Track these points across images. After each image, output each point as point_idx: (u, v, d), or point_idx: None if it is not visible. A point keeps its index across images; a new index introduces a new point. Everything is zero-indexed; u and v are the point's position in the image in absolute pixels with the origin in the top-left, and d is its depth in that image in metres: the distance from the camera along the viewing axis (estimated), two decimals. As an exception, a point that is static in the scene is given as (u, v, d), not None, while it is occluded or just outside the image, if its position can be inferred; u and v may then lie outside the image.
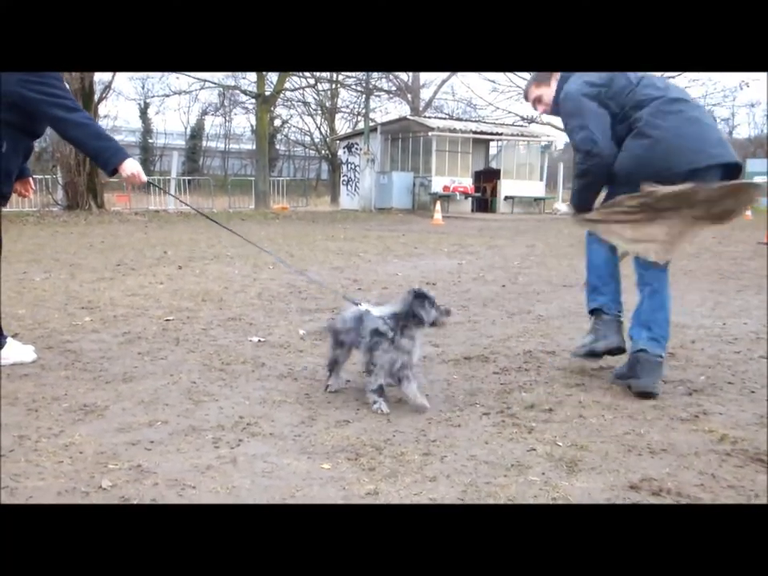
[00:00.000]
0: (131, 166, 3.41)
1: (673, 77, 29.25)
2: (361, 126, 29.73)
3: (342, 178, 27.78)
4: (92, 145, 3.38)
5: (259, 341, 4.25)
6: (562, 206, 26.08)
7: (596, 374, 3.57)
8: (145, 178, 3.49)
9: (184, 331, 4.52)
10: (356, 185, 25.94)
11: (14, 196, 3.65)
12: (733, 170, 3.32)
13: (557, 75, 3.65)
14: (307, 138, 41.90)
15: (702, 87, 32.40)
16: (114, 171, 3.41)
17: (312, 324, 4.75)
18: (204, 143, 46.26)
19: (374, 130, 25.64)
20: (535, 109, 3.93)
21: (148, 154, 43.64)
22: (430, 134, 23.95)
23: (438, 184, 23.64)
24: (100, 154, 3.39)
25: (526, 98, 3.90)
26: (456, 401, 3.16)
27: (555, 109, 3.68)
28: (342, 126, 38.89)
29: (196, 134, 45.12)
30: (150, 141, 44.13)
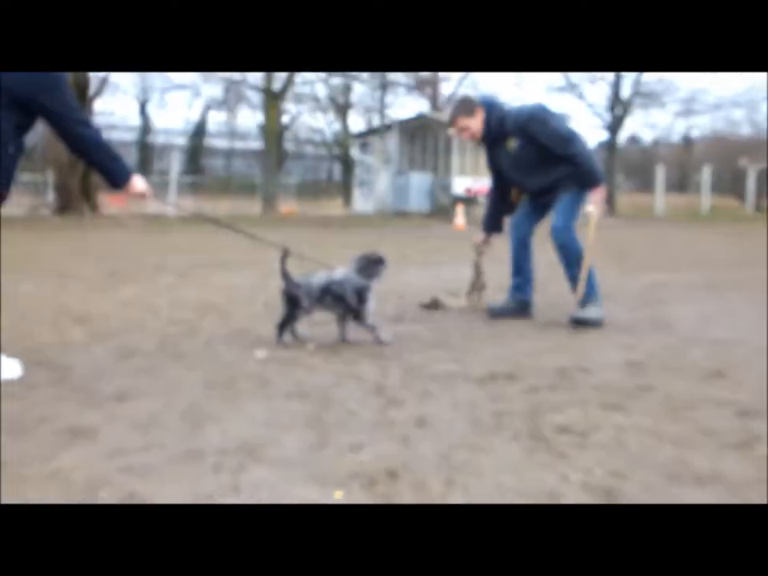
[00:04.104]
0: (140, 183, 3.83)
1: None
2: (376, 122, 29.83)
3: (355, 179, 27.86)
4: (108, 166, 3.73)
5: (266, 356, 4.24)
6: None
7: (636, 395, 3.52)
8: (150, 194, 3.93)
9: (184, 346, 4.52)
10: (370, 186, 26.01)
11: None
12: None
13: (481, 109, 5.27)
14: (318, 137, 42.11)
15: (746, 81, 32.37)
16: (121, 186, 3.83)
17: (322, 338, 4.73)
18: (207, 141, 46.61)
19: (390, 127, 25.71)
20: (459, 136, 5.70)
21: (146, 152, 44.03)
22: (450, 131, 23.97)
23: (459, 185, 23.61)
24: (115, 174, 3.77)
25: (452, 125, 5.48)
26: (481, 423, 3.12)
27: (488, 135, 5.42)
28: (356, 124, 39.06)
29: (198, 131, 45.47)
30: (149, 138, 44.52)
